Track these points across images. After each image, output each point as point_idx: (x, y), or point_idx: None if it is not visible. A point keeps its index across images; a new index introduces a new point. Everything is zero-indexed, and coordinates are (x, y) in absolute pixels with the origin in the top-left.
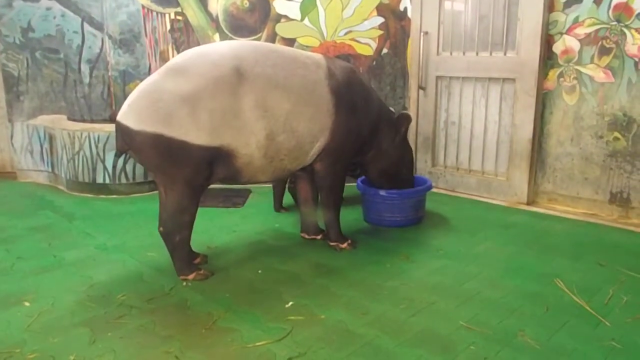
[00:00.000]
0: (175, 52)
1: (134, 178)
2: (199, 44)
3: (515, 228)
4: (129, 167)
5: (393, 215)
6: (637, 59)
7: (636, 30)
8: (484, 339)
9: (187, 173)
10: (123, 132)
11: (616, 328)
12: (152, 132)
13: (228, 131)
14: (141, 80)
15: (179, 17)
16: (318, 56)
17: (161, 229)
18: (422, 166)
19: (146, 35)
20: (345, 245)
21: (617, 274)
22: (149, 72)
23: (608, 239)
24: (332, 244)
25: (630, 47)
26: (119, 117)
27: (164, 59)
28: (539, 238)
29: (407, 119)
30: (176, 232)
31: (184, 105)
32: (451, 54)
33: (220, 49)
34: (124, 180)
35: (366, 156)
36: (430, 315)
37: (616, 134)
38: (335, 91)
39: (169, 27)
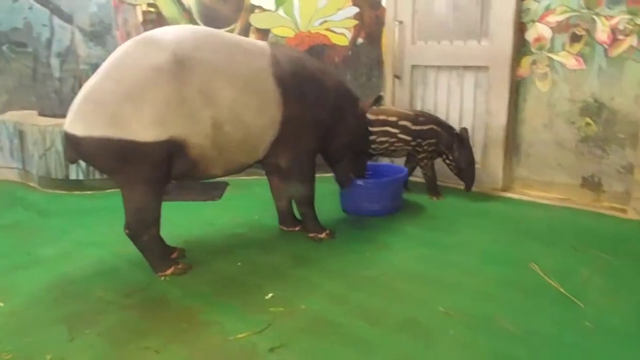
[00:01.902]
0: None
1: None
2: None
3: (492, 215)
4: None
5: (371, 205)
6: (606, 46)
7: (606, 17)
8: (462, 324)
9: (144, 172)
10: (71, 141)
11: (590, 310)
12: (99, 136)
13: (175, 121)
14: None
15: (151, 9)
16: (262, 43)
17: (127, 231)
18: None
19: (117, 28)
20: (324, 235)
21: (591, 256)
22: None
23: (581, 223)
24: (311, 235)
25: (600, 34)
26: (65, 127)
27: None
28: (514, 224)
29: (367, 106)
30: (143, 232)
31: (126, 103)
32: (426, 43)
33: (157, 36)
34: (98, 176)
35: (333, 143)
36: (410, 302)
37: (587, 119)
38: (281, 81)
39: (140, 19)
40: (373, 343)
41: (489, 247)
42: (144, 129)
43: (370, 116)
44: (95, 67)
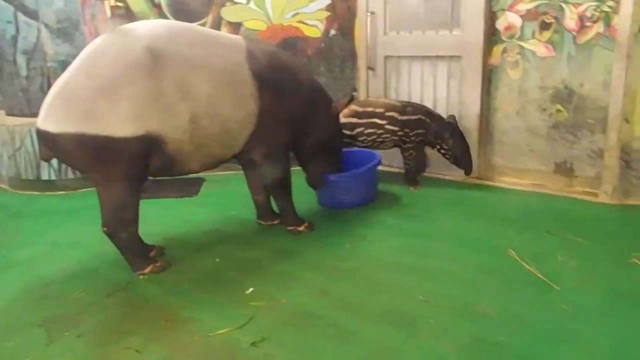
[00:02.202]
0: None
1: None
2: None
3: (468, 202)
4: None
5: (346, 197)
6: (575, 33)
7: (574, 4)
8: (443, 311)
9: (122, 168)
10: (44, 138)
11: (566, 292)
12: (74, 132)
13: (152, 116)
14: None
15: (119, 4)
16: (238, 37)
17: (105, 229)
18: None
19: (85, 24)
20: (302, 227)
21: (565, 240)
22: None
23: (555, 207)
24: (289, 228)
25: (569, 22)
26: (38, 124)
27: None
28: (490, 211)
29: (341, 105)
30: (121, 230)
31: (101, 98)
32: (398, 33)
33: (131, 30)
34: (71, 175)
35: (305, 141)
36: (391, 292)
37: (558, 106)
38: (257, 75)
39: (109, 14)
40: (355, 334)
41: (466, 234)
42: (120, 124)
43: (357, 108)
44: (63, 64)
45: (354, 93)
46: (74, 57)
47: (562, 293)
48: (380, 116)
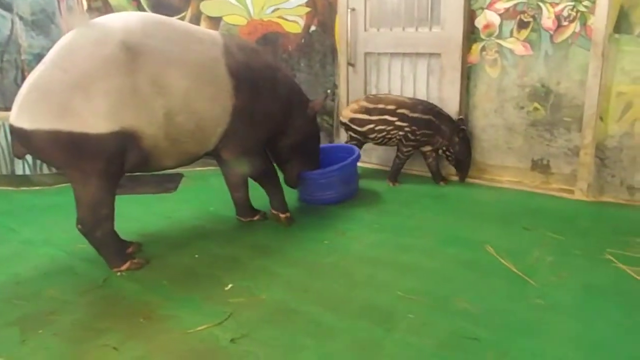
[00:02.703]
0: None
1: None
2: None
3: (447, 199)
4: None
5: (324, 193)
6: (552, 32)
7: (551, 4)
8: (422, 307)
9: (97, 165)
10: (18, 135)
11: (542, 287)
12: (48, 129)
13: (128, 111)
14: None
15: None
16: (215, 33)
17: (79, 226)
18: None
19: (61, 16)
20: (284, 216)
21: (542, 236)
22: None
23: (532, 204)
24: (273, 211)
25: (546, 21)
26: (11, 120)
27: None
28: (469, 207)
29: (317, 105)
30: (96, 228)
31: (75, 93)
32: (378, 30)
33: (106, 24)
34: (46, 171)
35: (281, 141)
36: (370, 288)
37: (536, 104)
38: (233, 71)
39: (86, 6)
40: (334, 329)
41: (445, 230)
42: (95, 121)
43: (367, 105)
44: (38, 57)
45: (328, 91)
46: (49, 49)
47: (538, 288)
48: (392, 113)
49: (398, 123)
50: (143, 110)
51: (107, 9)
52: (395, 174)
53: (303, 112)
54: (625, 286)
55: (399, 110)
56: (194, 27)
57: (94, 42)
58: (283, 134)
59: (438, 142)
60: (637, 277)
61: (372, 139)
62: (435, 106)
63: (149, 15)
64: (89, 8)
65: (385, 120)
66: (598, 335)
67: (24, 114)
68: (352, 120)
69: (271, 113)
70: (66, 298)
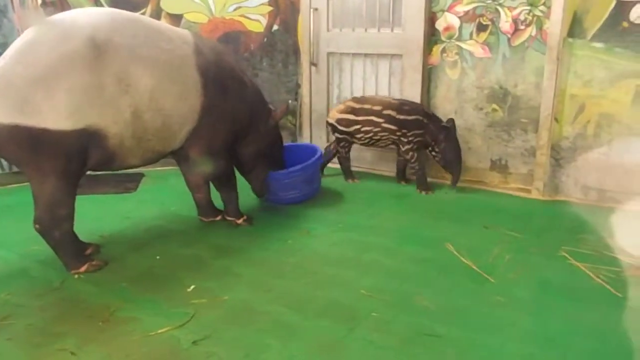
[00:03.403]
0: None
1: (10, 167)
2: None
3: (408, 198)
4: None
5: (287, 193)
6: (509, 35)
7: (508, 8)
8: (384, 305)
9: (57, 163)
10: None
11: (500, 284)
12: (7, 123)
13: (92, 109)
14: None
15: None
16: (185, 32)
17: (37, 226)
18: (317, 142)
19: (14, 10)
20: (241, 221)
21: (500, 235)
22: None
23: (491, 203)
24: (229, 219)
25: (504, 24)
26: None
27: None
28: (430, 206)
29: (279, 115)
30: (54, 228)
31: (37, 88)
32: (341, 30)
33: (73, 18)
34: None
35: (245, 148)
36: (333, 287)
37: (494, 105)
38: (203, 70)
39: (40, 0)
40: (297, 329)
41: (407, 229)
42: (57, 117)
43: (354, 105)
44: None
45: (290, 101)
46: (2, 45)
47: (497, 285)
48: (378, 114)
49: (385, 125)
50: (108, 108)
51: (63, 4)
52: (422, 183)
53: (266, 120)
54: (579, 282)
55: (385, 112)
56: (164, 25)
57: (58, 37)
58: (246, 143)
59: (427, 141)
60: (590, 273)
61: (359, 140)
62: (421, 105)
63: (117, 12)
64: (44, 3)
65: (372, 121)
66: (553, 330)
67: None
68: (338, 121)
69: (237, 114)
70: (20, 302)
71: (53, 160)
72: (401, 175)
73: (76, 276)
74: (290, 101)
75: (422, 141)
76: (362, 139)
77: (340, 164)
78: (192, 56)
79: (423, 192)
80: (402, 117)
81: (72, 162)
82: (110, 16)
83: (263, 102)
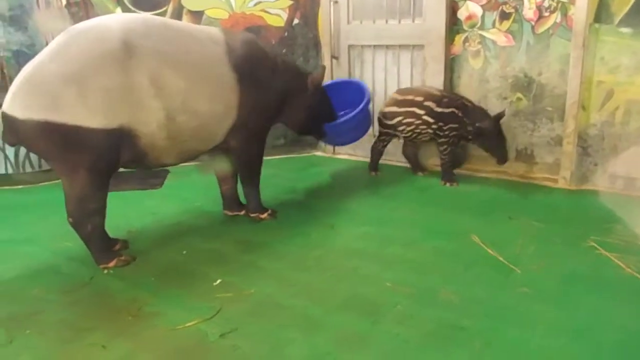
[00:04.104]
0: None
1: (40, 166)
2: None
3: (431, 190)
4: (33, 155)
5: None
6: (533, 23)
7: None
8: (408, 298)
9: (88, 160)
10: (10, 123)
11: (526, 275)
12: (40, 119)
13: (124, 110)
14: None
15: None
16: (215, 30)
17: (70, 219)
18: None
19: (39, 11)
20: (265, 215)
21: (525, 225)
22: None
23: (516, 193)
24: (252, 215)
25: (527, 12)
26: (4, 108)
27: None
28: (453, 198)
29: (318, 78)
30: (86, 221)
31: (71, 87)
32: (361, 22)
33: (107, 23)
34: (29, 169)
35: (279, 120)
36: (356, 280)
37: (518, 94)
38: (236, 67)
39: (64, 2)
40: (321, 322)
41: (430, 221)
42: (89, 115)
43: (397, 97)
44: (17, 53)
45: (323, 63)
46: (29, 46)
47: (523, 276)
48: (419, 105)
49: (425, 117)
50: (139, 109)
51: (86, 4)
52: (448, 174)
53: (305, 88)
54: (608, 273)
55: (426, 103)
56: (195, 27)
57: (92, 39)
58: (294, 113)
59: (463, 135)
60: (620, 263)
61: (402, 133)
62: (462, 98)
63: (150, 17)
64: (68, 3)
65: (413, 112)
66: (581, 322)
67: (17, 102)
68: (383, 114)
69: (271, 102)
70: (51, 297)
71: (82, 156)
72: (417, 166)
73: (105, 271)
74: (324, 64)
75: (457, 135)
76: (405, 131)
77: (371, 154)
78: (224, 55)
79: (447, 184)
80: (440, 109)
81: (102, 158)
82: (142, 21)
83: (299, 74)
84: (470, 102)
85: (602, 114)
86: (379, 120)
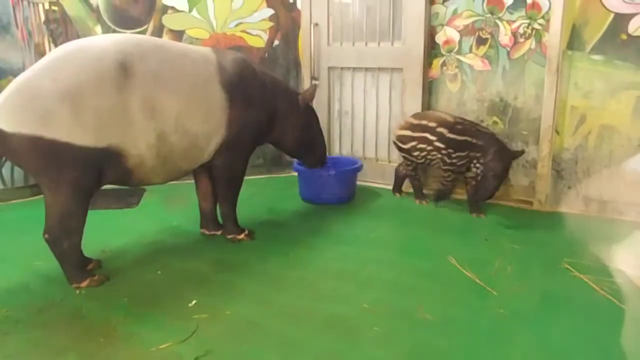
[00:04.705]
0: (52, 45)
1: (12, 182)
2: (78, 37)
3: (409, 211)
4: (5, 171)
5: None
6: (509, 49)
7: (507, 22)
8: (385, 319)
9: (74, 176)
10: None
11: (502, 297)
12: (30, 134)
13: (116, 130)
14: (15, 76)
15: (55, 7)
16: (207, 50)
17: (46, 235)
18: None
19: (17, 27)
20: (242, 236)
21: (502, 247)
22: (24, 67)
23: (492, 215)
24: (229, 236)
25: (503, 38)
26: None
27: (39, 52)
28: (431, 219)
29: (309, 96)
30: (64, 239)
31: (65, 103)
32: (341, 44)
33: (102, 43)
34: (0, 186)
35: (268, 141)
36: (334, 301)
37: (495, 118)
38: (227, 86)
39: (43, 17)
40: (299, 343)
41: (407, 242)
42: (81, 133)
43: (412, 121)
44: None
45: (315, 82)
46: (5, 61)
47: (499, 298)
48: (432, 131)
49: (437, 143)
50: (132, 130)
51: (65, 20)
52: (440, 197)
53: (296, 107)
54: (582, 295)
55: (439, 129)
56: (188, 47)
57: (89, 58)
58: (283, 131)
59: (468, 166)
60: (593, 285)
61: (416, 158)
62: (476, 125)
63: (144, 38)
64: (47, 20)
65: (426, 138)
66: (557, 343)
67: (5, 114)
68: (398, 137)
69: (261, 121)
70: (21, 317)
71: (70, 173)
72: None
73: (77, 291)
74: (315, 82)
75: (465, 165)
76: (419, 157)
77: (411, 183)
78: (216, 75)
79: (422, 202)
80: (452, 136)
81: (88, 176)
82: (137, 42)
83: (287, 92)
84: (486, 129)
85: (575, 138)
86: (395, 144)
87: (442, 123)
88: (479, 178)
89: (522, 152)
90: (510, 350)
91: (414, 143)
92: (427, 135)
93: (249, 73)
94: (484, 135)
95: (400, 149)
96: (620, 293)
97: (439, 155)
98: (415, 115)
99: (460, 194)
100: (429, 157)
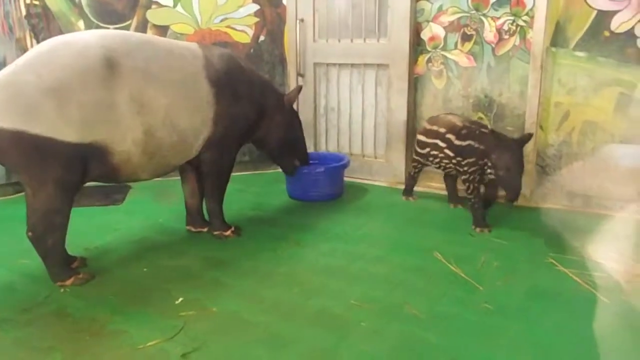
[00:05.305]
0: (34, 40)
1: None
2: (61, 32)
3: (396, 207)
4: None
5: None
6: (493, 45)
7: (492, 18)
8: (373, 314)
9: (57, 173)
10: None
11: (488, 291)
12: (13, 129)
13: (101, 126)
14: None
15: (36, 2)
16: (194, 46)
17: (30, 233)
18: None
19: None
20: (229, 232)
21: (488, 242)
22: (5, 62)
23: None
24: (215, 233)
25: (488, 34)
26: None
27: (21, 47)
28: (417, 215)
29: (293, 97)
30: (47, 236)
31: (49, 99)
32: (327, 41)
33: (87, 38)
34: None
35: (253, 139)
36: (323, 296)
37: (480, 114)
38: (214, 81)
39: (24, 12)
40: (287, 339)
41: (394, 238)
42: (65, 128)
43: (427, 126)
44: None
45: (301, 84)
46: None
47: (485, 292)
48: (442, 138)
49: (446, 151)
50: (118, 127)
51: (47, 15)
52: (478, 219)
53: (281, 108)
54: (566, 289)
55: (448, 135)
56: (175, 43)
57: (74, 54)
58: (267, 134)
59: (483, 169)
60: (577, 279)
61: (431, 163)
62: (481, 126)
63: (130, 34)
64: (28, 14)
65: (437, 145)
66: (542, 336)
67: None
68: (417, 142)
69: (248, 116)
70: (5, 316)
71: (53, 169)
72: (453, 197)
73: (62, 290)
74: (300, 84)
75: (478, 171)
76: (434, 163)
77: (405, 179)
78: (203, 70)
79: (478, 230)
80: (458, 142)
81: (72, 172)
82: (123, 39)
83: (273, 92)
84: (487, 128)
85: (559, 134)
86: (414, 148)
87: (451, 129)
88: (491, 180)
89: (530, 135)
90: (497, 344)
91: (428, 149)
92: (438, 142)
93: (236, 69)
94: (484, 137)
95: (418, 154)
96: (603, 287)
97: (451, 165)
98: (429, 120)
99: (444, 189)
100: (442, 164)
